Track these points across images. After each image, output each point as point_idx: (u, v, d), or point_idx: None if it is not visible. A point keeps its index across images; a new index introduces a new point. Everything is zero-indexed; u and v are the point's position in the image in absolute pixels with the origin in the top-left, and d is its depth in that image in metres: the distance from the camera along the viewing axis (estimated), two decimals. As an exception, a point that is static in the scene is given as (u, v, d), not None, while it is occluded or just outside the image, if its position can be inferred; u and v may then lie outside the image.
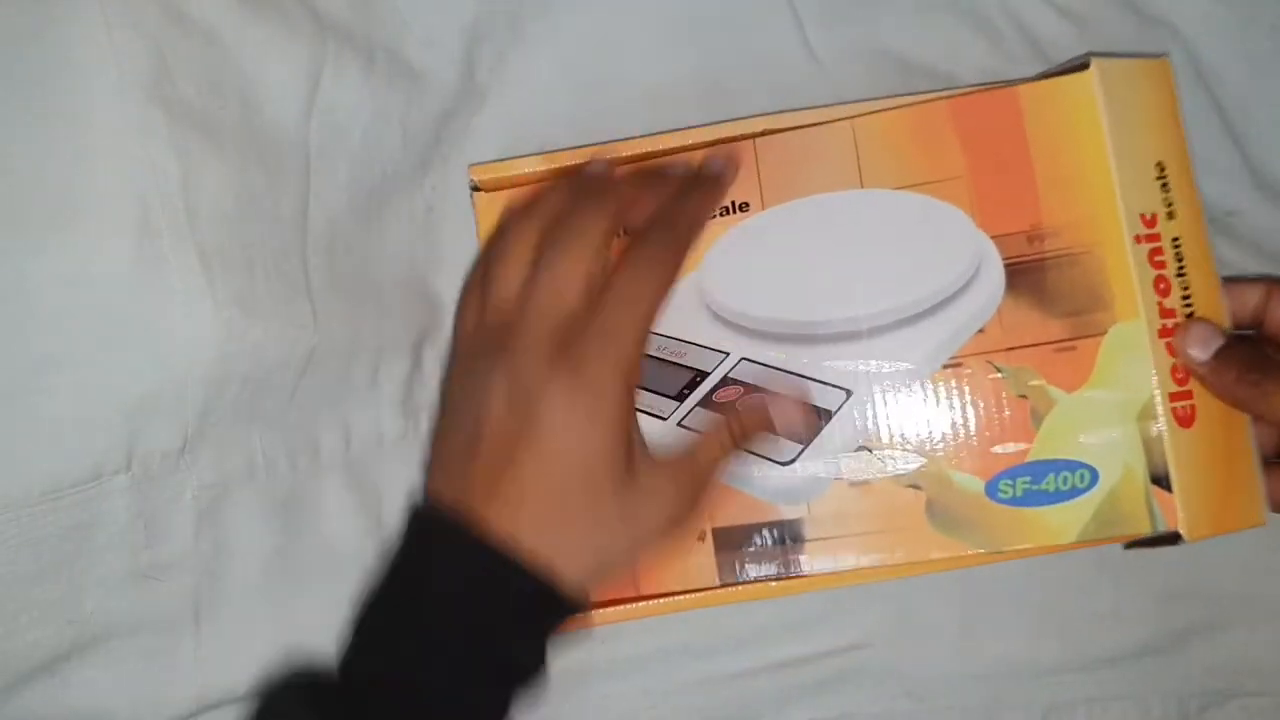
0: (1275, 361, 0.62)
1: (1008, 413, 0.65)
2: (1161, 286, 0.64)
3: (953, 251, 0.67)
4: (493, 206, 0.73)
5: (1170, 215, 0.64)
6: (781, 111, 0.69)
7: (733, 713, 0.77)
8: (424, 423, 0.76)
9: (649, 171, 0.69)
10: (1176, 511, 0.63)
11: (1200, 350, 0.63)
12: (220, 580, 0.68)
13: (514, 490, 0.59)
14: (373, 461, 0.74)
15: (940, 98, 0.68)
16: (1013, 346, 0.65)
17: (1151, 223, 0.64)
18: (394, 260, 0.75)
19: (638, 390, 0.67)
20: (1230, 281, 0.67)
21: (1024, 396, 0.65)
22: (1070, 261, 0.64)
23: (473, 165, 0.71)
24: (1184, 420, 0.63)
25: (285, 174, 0.67)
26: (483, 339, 0.63)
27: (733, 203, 0.70)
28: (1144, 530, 0.63)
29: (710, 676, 0.77)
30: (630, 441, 0.61)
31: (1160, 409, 0.63)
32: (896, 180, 0.68)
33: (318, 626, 0.68)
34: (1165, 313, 0.63)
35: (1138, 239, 0.63)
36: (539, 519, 0.59)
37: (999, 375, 0.65)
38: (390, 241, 0.75)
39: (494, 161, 0.72)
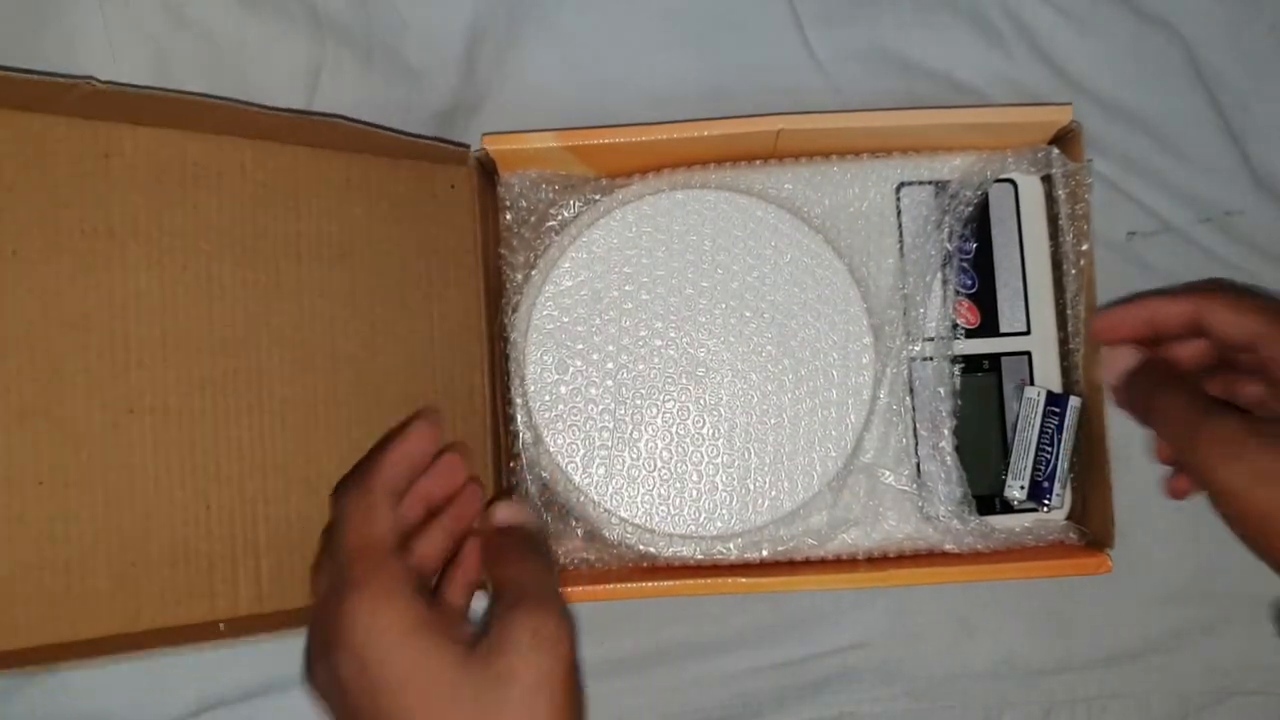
0: (1167, 387, 0.65)
1: None
2: None
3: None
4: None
5: None
6: (795, 113, 0.69)
7: (733, 712, 0.78)
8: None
9: None
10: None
11: (1111, 373, 0.69)
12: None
13: None
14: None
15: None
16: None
17: None
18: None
19: None
20: (1165, 299, 0.68)
21: None
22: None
23: (486, 134, 0.70)
24: None
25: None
26: None
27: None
28: None
29: (710, 676, 0.78)
30: None
31: None
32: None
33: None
34: None
35: None
36: None
37: None
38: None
39: (508, 133, 0.70)
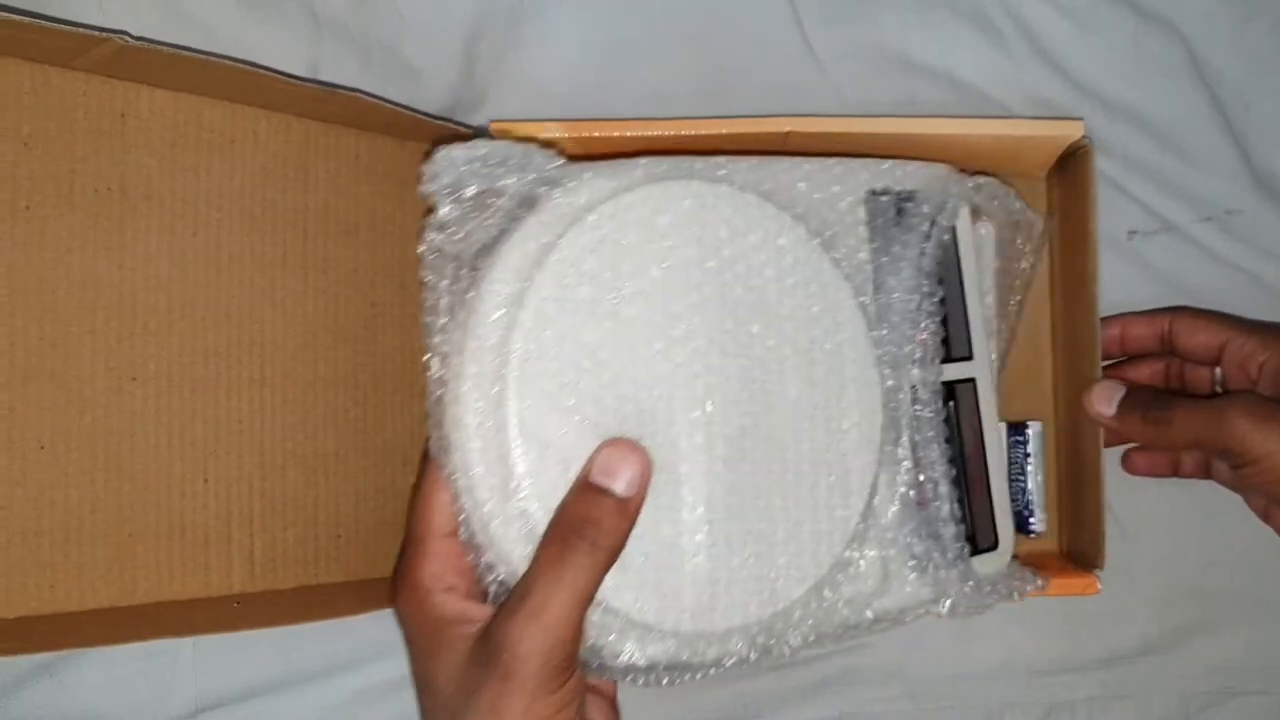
0: (1165, 399, 0.67)
1: None
2: None
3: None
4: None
5: None
6: (805, 115, 0.69)
7: (733, 712, 0.77)
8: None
9: None
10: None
11: (1106, 406, 0.67)
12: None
13: None
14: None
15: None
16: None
17: None
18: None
19: None
20: (1137, 315, 0.73)
21: None
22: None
23: (494, 121, 0.70)
24: None
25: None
26: None
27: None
28: None
29: (710, 676, 0.77)
30: None
31: None
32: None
33: (314, 626, 0.68)
34: None
35: None
36: None
37: None
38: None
39: (517, 120, 0.68)
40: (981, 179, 0.69)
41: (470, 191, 0.57)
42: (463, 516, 0.56)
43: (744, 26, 0.77)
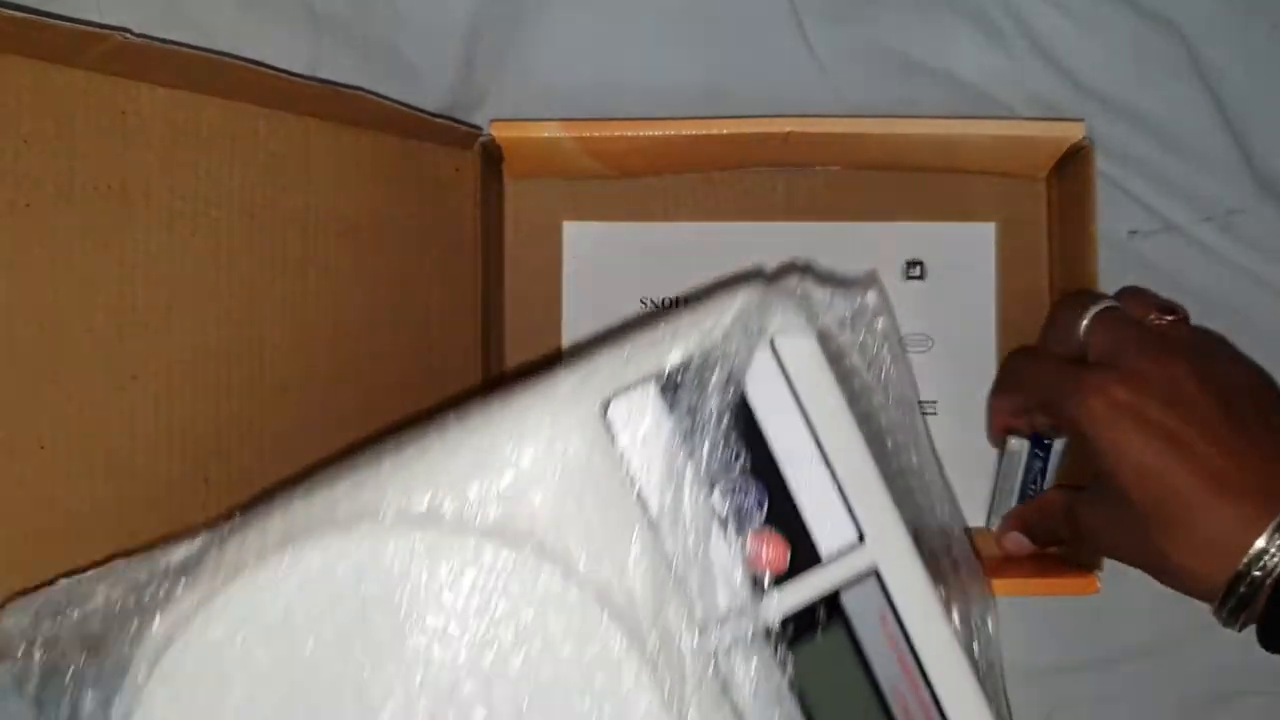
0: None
1: None
2: None
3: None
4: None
5: None
6: (806, 115, 0.68)
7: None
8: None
9: None
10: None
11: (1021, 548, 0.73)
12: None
13: None
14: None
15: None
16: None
17: None
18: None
19: None
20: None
21: None
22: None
23: (494, 120, 0.70)
24: None
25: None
26: None
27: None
28: None
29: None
30: None
31: None
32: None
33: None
34: None
35: None
36: None
37: None
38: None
39: (516, 120, 0.70)
40: (774, 300, 0.49)
41: (35, 664, 0.45)
42: None
43: (744, 26, 0.77)
